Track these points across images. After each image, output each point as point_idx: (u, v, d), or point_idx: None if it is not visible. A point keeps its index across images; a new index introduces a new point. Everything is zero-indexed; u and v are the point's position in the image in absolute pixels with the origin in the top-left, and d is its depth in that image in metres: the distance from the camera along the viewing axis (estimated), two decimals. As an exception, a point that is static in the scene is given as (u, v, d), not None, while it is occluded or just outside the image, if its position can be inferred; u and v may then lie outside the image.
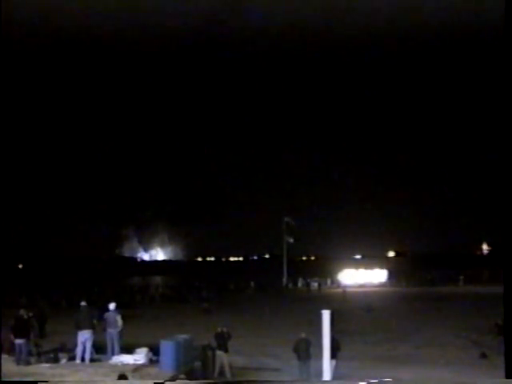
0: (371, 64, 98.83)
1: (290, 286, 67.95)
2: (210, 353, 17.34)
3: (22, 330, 17.41)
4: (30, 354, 17.64)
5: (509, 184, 11.44)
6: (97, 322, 18.24)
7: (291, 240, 72.13)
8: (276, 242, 77.22)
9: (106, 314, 18.46)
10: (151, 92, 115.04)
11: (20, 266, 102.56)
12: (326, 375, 14.57)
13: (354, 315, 33.29)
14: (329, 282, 67.62)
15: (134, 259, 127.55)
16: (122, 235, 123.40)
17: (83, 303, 18.37)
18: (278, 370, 18.25)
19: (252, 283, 64.04)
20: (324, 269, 73.50)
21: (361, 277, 66.99)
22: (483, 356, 20.29)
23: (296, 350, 16.88)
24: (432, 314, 34.48)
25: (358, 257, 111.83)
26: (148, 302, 48.71)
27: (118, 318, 18.29)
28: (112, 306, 18.55)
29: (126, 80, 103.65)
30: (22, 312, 18.19)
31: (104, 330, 18.21)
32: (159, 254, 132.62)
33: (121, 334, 18.26)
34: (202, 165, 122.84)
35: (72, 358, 17.66)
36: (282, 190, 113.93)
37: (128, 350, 17.90)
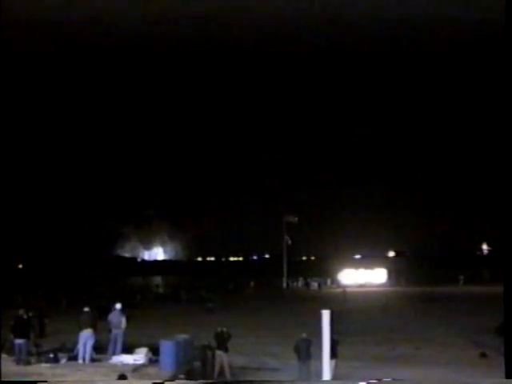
0: (370, 65, 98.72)
1: (290, 285, 68.05)
2: (209, 353, 17.34)
3: (22, 330, 17.42)
4: (29, 354, 17.64)
5: (509, 184, 11.45)
6: (99, 321, 18.20)
7: (289, 241, 72.25)
8: (276, 242, 77.25)
9: (111, 315, 18.40)
10: (151, 91, 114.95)
11: (20, 266, 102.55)
12: (326, 375, 14.57)
13: (356, 315, 33.29)
14: (329, 281, 67.73)
15: (134, 259, 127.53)
16: (122, 235, 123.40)
17: (86, 309, 18.24)
18: (277, 370, 18.25)
19: (252, 283, 64.09)
20: (324, 269, 73.47)
21: (361, 277, 67.04)
22: (483, 356, 20.28)
23: (296, 349, 16.88)
24: (432, 313, 34.47)
25: (358, 257, 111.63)
26: (148, 301, 48.68)
27: (123, 319, 18.25)
28: (118, 306, 18.49)
29: (125, 79, 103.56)
30: (22, 312, 18.16)
31: (109, 331, 18.17)
32: (159, 254, 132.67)
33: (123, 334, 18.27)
34: (201, 164, 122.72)
35: (72, 358, 17.67)
36: (282, 190, 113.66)
37: (128, 349, 17.90)
